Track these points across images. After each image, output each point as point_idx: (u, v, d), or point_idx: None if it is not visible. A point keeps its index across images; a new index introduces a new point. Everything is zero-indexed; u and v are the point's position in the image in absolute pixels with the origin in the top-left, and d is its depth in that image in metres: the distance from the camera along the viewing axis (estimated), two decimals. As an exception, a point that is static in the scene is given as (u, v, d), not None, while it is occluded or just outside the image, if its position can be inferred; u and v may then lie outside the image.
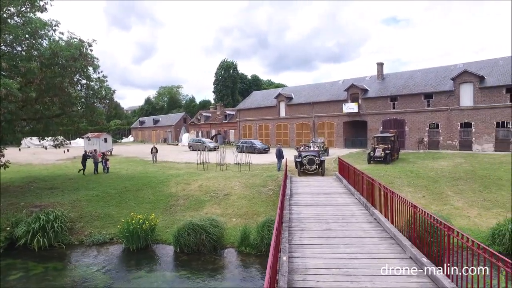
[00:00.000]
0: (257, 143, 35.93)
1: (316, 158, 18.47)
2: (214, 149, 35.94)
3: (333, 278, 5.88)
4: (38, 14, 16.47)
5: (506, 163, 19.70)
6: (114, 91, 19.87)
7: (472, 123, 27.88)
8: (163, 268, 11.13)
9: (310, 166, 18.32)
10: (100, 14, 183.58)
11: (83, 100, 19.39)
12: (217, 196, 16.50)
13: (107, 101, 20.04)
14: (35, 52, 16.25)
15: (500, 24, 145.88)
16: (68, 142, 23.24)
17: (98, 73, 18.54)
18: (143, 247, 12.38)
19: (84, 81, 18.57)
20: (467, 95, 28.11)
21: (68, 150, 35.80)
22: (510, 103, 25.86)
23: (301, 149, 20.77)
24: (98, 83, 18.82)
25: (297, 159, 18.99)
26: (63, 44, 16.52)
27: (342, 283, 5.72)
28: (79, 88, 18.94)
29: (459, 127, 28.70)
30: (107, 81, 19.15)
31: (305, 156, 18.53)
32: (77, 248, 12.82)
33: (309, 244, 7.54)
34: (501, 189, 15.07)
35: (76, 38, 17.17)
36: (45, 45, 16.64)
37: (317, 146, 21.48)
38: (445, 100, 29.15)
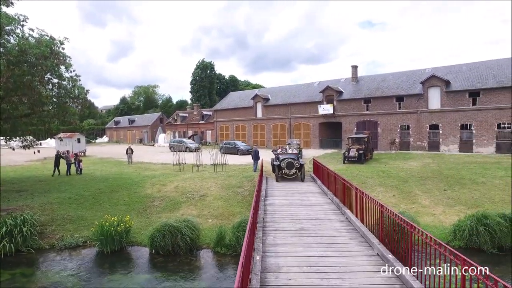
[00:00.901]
0: (241, 144, 35.70)
1: (296, 162, 16.98)
2: (196, 150, 35.18)
3: (304, 276, 6.12)
4: (4, 9, 15.83)
5: (468, 163, 20.91)
6: (87, 90, 19.46)
7: (440, 125, 29.29)
8: (138, 270, 11.05)
9: (289, 171, 16.88)
10: (73, 10, 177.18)
11: (54, 99, 18.75)
12: (193, 197, 16.50)
13: (80, 101, 19.54)
14: (1, 49, 15.62)
15: (466, 32, 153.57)
16: (38, 142, 22.39)
17: (71, 72, 18.06)
18: (117, 249, 12.24)
19: (55, 80, 18.01)
20: (435, 98, 29.49)
21: (38, 151, 34.45)
22: (473, 107, 27.44)
23: (278, 152, 19.30)
24: (70, 82, 18.31)
25: (274, 163, 17.51)
26: (33, 41, 15.97)
27: (312, 280, 5.97)
28: (50, 87, 18.34)
29: (427, 129, 30.04)
30: (80, 80, 18.70)
31: (283, 160, 17.06)
32: (47, 253, 12.45)
33: (282, 244, 7.77)
34: (464, 188, 16.01)
35: (47, 35, 16.65)
36: (12, 41, 16.02)
37: (295, 149, 19.60)
38: (415, 102, 30.44)
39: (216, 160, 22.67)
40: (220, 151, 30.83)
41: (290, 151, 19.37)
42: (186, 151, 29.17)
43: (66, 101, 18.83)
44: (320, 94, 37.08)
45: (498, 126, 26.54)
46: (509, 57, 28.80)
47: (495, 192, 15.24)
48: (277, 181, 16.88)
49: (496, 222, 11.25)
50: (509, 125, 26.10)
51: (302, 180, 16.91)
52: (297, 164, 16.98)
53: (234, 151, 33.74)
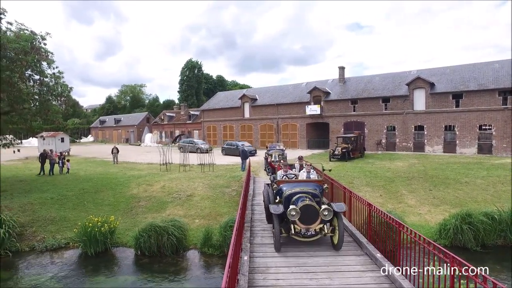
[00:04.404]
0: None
1: (325, 207, 6.97)
2: (207, 151, 31.91)
3: (293, 276, 6.03)
4: None
5: (452, 163, 21.33)
6: (71, 88, 19.00)
7: (425, 126, 29.81)
8: (123, 272, 10.78)
9: (306, 226, 6.97)
10: (57, 6, 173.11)
11: (36, 97, 18.21)
12: (180, 197, 16.25)
13: (64, 99, 19.06)
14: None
15: (447, 37, 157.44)
16: (19, 141, 21.70)
17: (53, 68, 17.59)
18: (101, 251, 11.93)
19: (37, 77, 17.49)
20: (420, 100, 30.01)
21: (18, 150, 33.40)
22: (456, 108, 28.05)
23: (280, 177, 8.73)
24: (53, 79, 17.83)
25: (271, 208, 7.10)
26: (11, 35, 15.43)
27: (301, 280, 5.88)
28: (31, 84, 17.78)
29: (413, 130, 30.53)
30: (63, 77, 18.27)
31: (290, 198, 7.30)
32: (27, 255, 12.01)
33: (270, 244, 7.65)
34: (448, 187, 16.28)
35: (27, 30, 16.14)
36: None
37: (312, 168, 9.31)
38: (401, 104, 30.89)
39: (203, 160, 22.45)
40: (222, 152, 29.85)
41: (303, 174, 9.12)
42: (197, 152, 27.28)
43: (49, 98, 18.32)
44: (308, 94, 37.23)
45: (480, 127, 27.20)
46: (488, 61, 29.65)
47: (477, 192, 15.57)
48: (277, 249, 7.11)
49: (480, 220, 11.47)
50: (490, 127, 26.80)
51: (337, 249, 7.12)
52: (325, 213, 6.95)
53: (236, 152, 30.78)
